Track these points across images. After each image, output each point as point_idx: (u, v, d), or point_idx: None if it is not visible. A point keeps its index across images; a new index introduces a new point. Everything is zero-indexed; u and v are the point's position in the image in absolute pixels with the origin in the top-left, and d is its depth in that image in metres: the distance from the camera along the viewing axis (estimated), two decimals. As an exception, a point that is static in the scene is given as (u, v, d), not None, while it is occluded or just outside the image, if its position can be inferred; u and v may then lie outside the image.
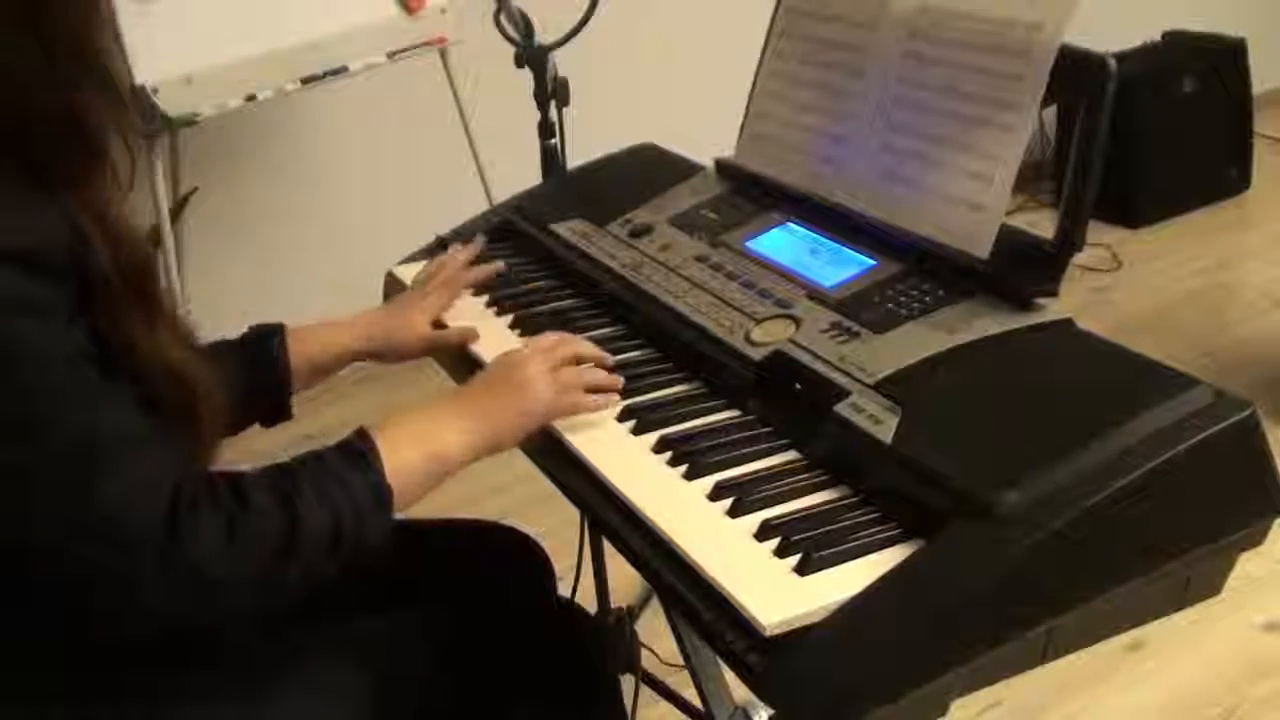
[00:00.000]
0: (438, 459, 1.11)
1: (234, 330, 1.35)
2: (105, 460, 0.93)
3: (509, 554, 1.44)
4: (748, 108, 1.56)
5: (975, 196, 1.23)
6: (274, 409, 1.36)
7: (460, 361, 1.41)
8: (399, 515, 1.07)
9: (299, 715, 1.11)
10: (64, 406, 0.92)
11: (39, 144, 0.94)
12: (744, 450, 1.12)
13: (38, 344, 0.92)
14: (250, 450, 1.31)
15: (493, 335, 1.41)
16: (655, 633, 1.79)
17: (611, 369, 1.25)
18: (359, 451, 1.06)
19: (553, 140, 1.73)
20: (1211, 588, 1.04)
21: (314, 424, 1.39)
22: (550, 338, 1.26)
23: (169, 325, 1.05)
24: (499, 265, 1.52)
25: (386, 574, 1.20)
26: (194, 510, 0.94)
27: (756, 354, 1.21)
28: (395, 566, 1.21)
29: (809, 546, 0.96)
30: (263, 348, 1.34)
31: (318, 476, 1.02)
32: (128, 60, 2.24)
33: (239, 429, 1.33)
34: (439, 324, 1.43)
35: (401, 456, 1.07)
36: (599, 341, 1.35)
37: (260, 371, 1.32)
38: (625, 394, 1.23)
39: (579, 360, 1.23)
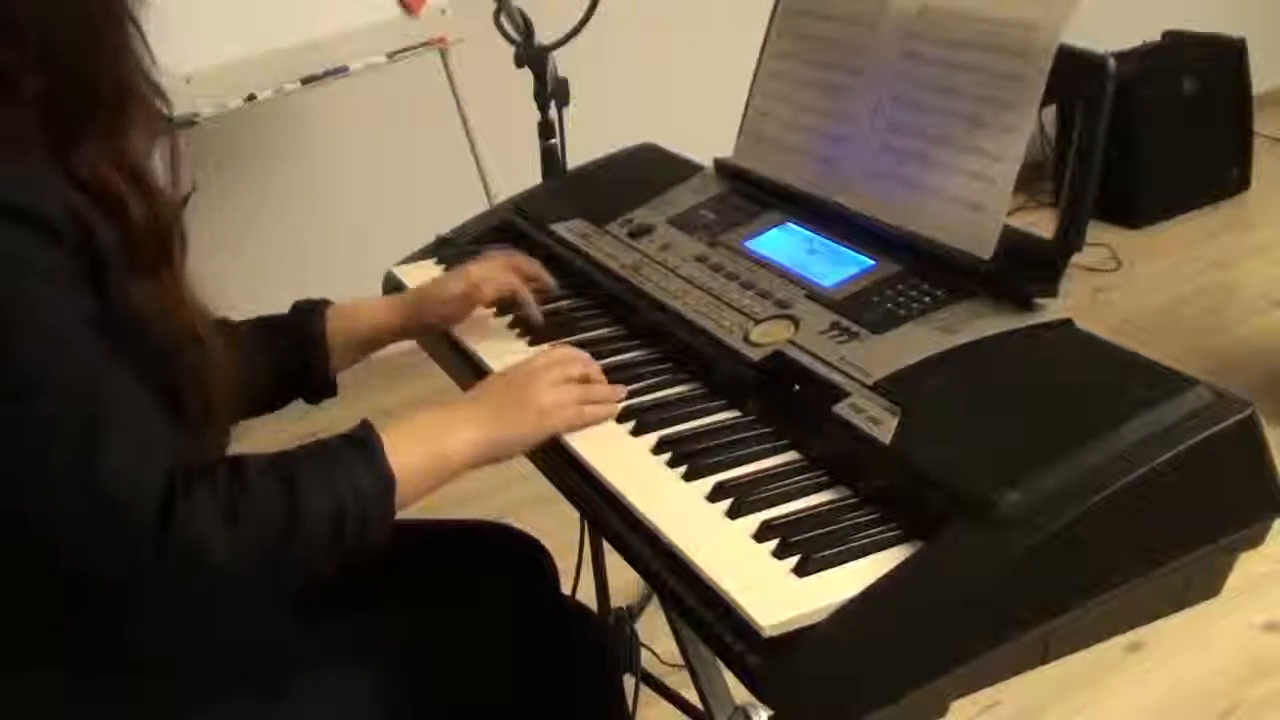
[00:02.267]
0: (440, 459, 1.11)
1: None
2: (101, 433, 0.91)
3: (512, 555, 1.44)
4: (747, 108, 1.56)
5: (976, 196, 1.22)
6: (315, 385, 1.35)
7: (462, 364, 1.41)
8: (398, 513, 1.07)
9: (302, 716, 1.11)
10: (60, 371, 0.91)
11: (70, 97, 0.93)
12: (743, 451, 1.12)
13: (38, 306, 0.91)
14: (253, 446, 1.30)
15: (492, 336, 1.41)
16: (655, 633, 1.79)
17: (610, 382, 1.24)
18: (362, 440, 1.06)
19: (553, 140, 1.73)
20: (1211, 588, 1.04)
21: (319, 421, 1.39)
22: (560, 352, 1.25)
23: (188, 294, 1.04)
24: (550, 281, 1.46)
25: (388, 574, 1.20)
26: (189, 496, 0.93)
27: (756, 354, 1.21)
28: (398, 567, 1.21)
29: (808, 547, 0.96)
30: (303, 323, 1.34)
31: (320, 461, 1.02)
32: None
33: (280, 405, 1.34)
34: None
35: (404, 451, 1.07)
36: (599, 341, 1.35)
37: (301, 347, 1.33)
38: (624, 395, 1.23)
39: (585, 380, 1.22)
